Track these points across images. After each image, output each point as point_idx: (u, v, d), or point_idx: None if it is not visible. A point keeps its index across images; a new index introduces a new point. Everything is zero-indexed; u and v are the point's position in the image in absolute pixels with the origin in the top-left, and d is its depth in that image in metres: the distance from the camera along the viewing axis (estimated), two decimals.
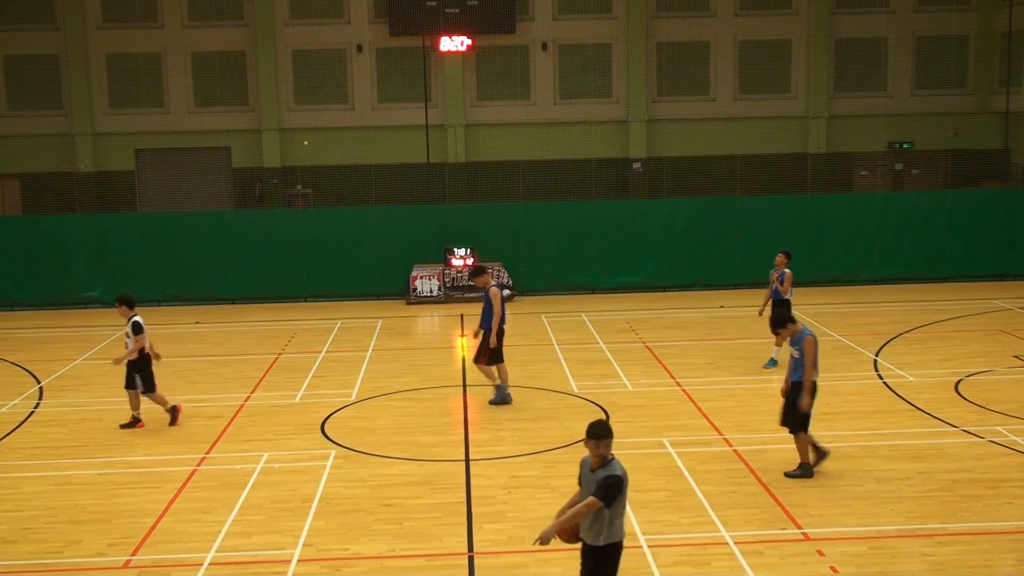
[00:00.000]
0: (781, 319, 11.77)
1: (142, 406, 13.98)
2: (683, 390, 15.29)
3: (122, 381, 13.92)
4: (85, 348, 19.06)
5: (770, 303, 16.48)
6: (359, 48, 39.24)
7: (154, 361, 14.01)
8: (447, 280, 23.16)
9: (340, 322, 21.00)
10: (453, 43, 37.51)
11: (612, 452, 7.42)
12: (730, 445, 12.69)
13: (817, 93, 36.77)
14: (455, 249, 23.29)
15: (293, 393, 15.61)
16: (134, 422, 13.91)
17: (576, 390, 15.43)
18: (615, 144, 37.78)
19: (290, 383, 16.15)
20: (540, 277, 23.76)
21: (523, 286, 23.48)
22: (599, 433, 7.35)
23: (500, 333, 14.53)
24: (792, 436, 11.52)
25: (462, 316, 21.58)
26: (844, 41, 36.94)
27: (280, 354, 18.23)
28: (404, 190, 38.20)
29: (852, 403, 14.42)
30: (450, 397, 15.43)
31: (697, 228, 24.04)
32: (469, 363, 17.65)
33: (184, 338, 19.98)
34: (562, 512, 7.52)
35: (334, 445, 13.01)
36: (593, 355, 17.76)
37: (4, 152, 39.72)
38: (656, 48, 37.21)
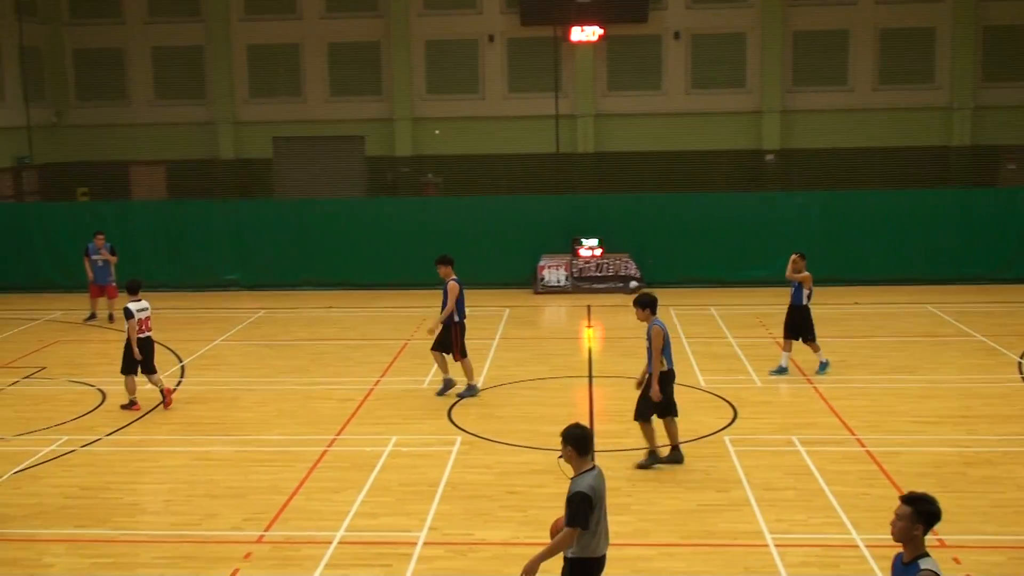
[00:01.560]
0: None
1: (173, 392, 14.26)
2: (814, 387, 14.93)
3: (255, 363, 14.36)
4: (224, 329, 19.72)
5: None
6: (491, 38, 39.47)
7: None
8: (575, 270, 23.14)
9: (468, 310, 21.16)
10: (584, 33, 37.36)
11: (594, 462, 7.04)
12: (863, 446, 12.34)
13: (962, 83, 35.31)
14: (583, 240, 23.25)
15: (421, 379, 15.84)
16: (131, 404, 14.36)
17: (703, 385, 15.23)
18: (747, 135, 37.08)
19: (419, 368, 16.39)
20: (668, 269, 23.48)
21: (651, 278, 23.27)
22: (564, 436, 6.98)
23: (461, 328, 14.59)
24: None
25: (589, 307, 21.54)
26: (993, 28, 35.36)
27: (409, 340, 18.52)
28: (533, 180, 38.27)
29: (993, 406, 13.85)
30: (576, 387, 15.43)
31: (831, 222, 23.38)
32: (596, 354, 17.63)
33: (317, 322, 20.49)
34: (552, 533, 7.12)
35: (460, 431, 13.16)
36: (721, 349, 17.50)
37: (151, 140, 41.38)
38: (792, 37, 36.34)
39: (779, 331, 16.02)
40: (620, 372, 15.89)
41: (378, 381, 15.73)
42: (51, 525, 10.36)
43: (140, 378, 14.35)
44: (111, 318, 20.39)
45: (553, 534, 7.08)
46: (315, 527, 10.19)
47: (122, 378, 14.36)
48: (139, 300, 14.32)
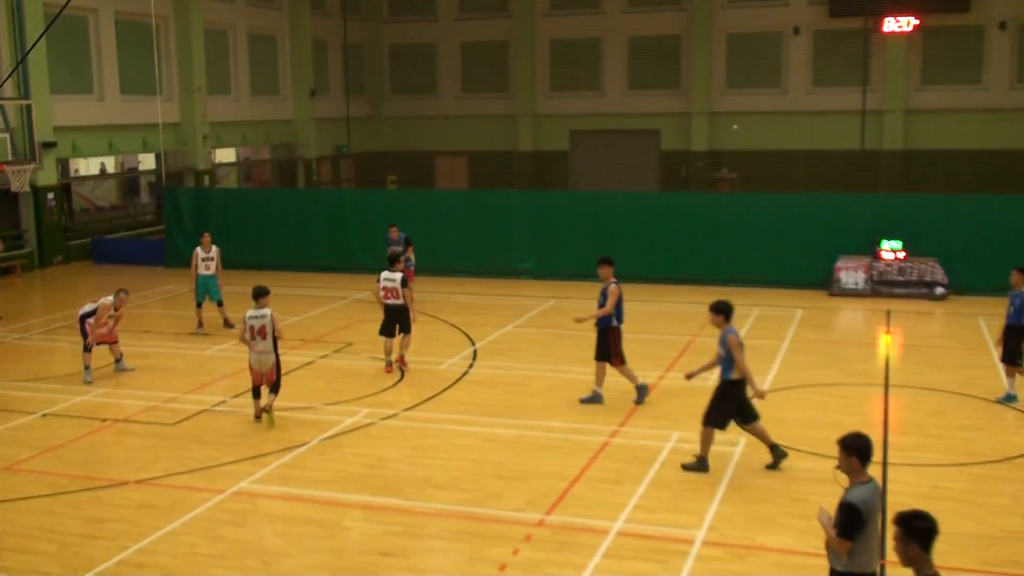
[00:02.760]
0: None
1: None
2: None
3: (543, 351, 14.64)
4: (515, 316, 20.32)
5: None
6: (796, 30, 38.31)
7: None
8: (874, 273, 22.02)
9: (758, 309, 20.70)
10: (898, 23, 35.48)
11: (868, 473, 6.72)
12: None
13: None
14: (885, 241, 22.06)
15: (706, 376, 15.58)
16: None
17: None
18: None
19: None
20: (980, 276, 21.75)
21: (959, 285, 21.75)
22: (845, 445, 6.76)
23: (618, 333, 13.99)
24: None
25: (888, 312, 20.45)
26: None
27: (696, 337, 18.32)
28: (833, 177, 36.83)
29: None
30: (870, 396, 14.69)
31: None
32: (894, 362, 16.71)
33: None
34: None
35: (745, 432, 12.85)
36: None
37: (456, 131, 43.29)
38: None
39: None
40: (919, 383, 15.00)
41: (662, 376, 15.67)
42: (351, 491, 11.08)
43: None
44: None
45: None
46: (594, 516, 10.29)
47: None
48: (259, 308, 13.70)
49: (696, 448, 11.72)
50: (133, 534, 10.00)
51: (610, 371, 14.34)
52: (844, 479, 6.89)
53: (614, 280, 14.08)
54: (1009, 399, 14.04)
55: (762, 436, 11.63)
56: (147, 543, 9.81)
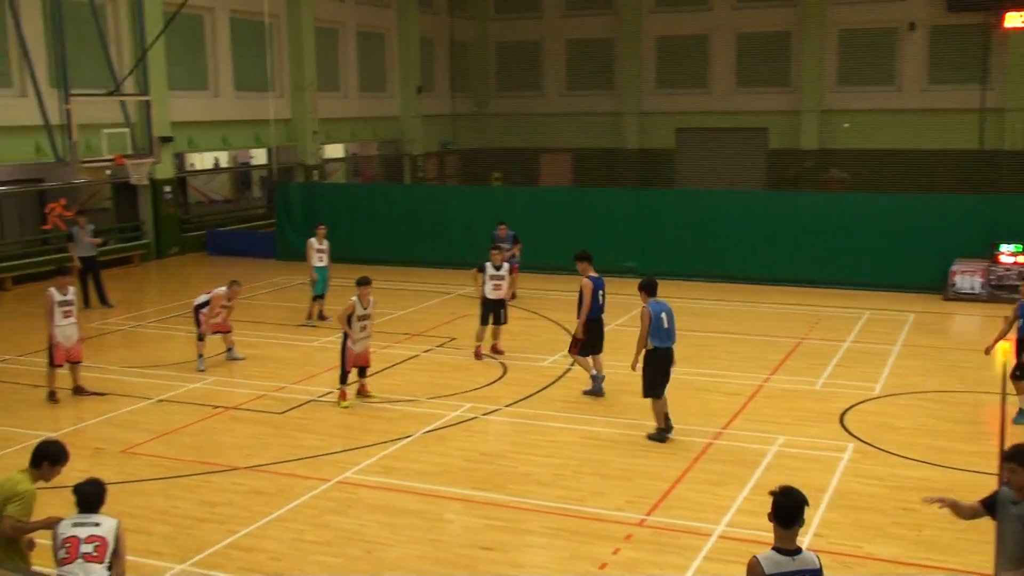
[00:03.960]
0: None
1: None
2: None
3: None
4: (618, 315, 20.18)
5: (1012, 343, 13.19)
6: (911, 26, 37.27)
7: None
8: (992, 277, 21.28)
9: (868, 312, 20.21)
10: (1021, 18, 34.18)
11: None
12: None
13: None
14: (1005, 244, 21.30)
15: (813, 380, 15.33)
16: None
17: None
18: None
19: (811, 369, 15.87)
20: None
21: None
22: (1015, 456, 6.30)
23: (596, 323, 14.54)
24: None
25: (1006, 318, 19.71)
26: None
27: (803, 339, 17.98)
28: (949, 178, 35.71)
29: None
30: (985, 404, 14.21)
31: None
32: (1011, 370, 16.13)
33: (707, 314, 20.44)
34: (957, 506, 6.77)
35: (852, 438, 12.58)
36: None
37: (561, 128, 43.26)
38: None
39: None
40: None
41: (767, 378, 15.42)
42: (453, 484, 11.18)
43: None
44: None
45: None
46: (695, 518, 10.18)
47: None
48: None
49: None
50: (243, 518, 10.27)
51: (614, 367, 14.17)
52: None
53: (592, 274, 14.77)
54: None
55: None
56: (255, 528, 10.06)
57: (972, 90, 36.00)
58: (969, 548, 9.44)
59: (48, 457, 7.24)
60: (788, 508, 6.00)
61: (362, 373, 14.34)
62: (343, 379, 14.17)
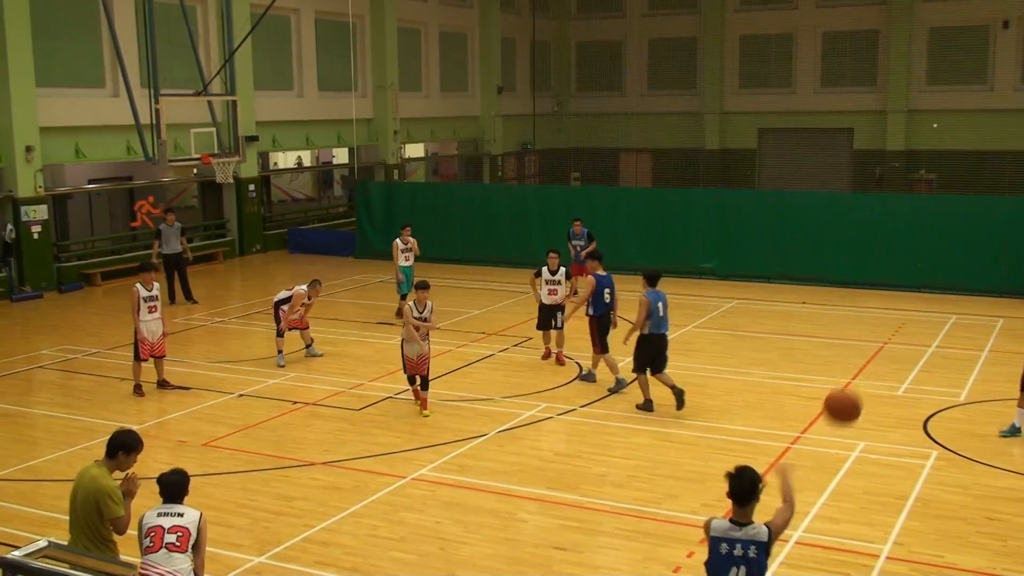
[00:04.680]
0: None
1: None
2: None
3: (723, 352, 14.38)
4: (697, 316, 20.03)
5: None
6: (1005, 24, 36.25)
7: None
8: None
9: (954, 317, 19.71)
10: None
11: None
12: None
13: None
14: None
15: (896, 385, 15.00)
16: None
17: None
18: None
19: (894, 374, 15.53)
20: None
21: None
22: None
23: (598, 321, 14.83)
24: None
25: None
26: None
27: (886, 343, 17.61)
28: None
29: None
30: None
31: None
32: None
33: (789, 316, 20.14)
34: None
35: (936, 445, 12.28)
36: None
37: (641, 129, 43.01)
38: None
39: None
40: None
41: (849, 383, 15.12)
42: (527, 483, 11.19)
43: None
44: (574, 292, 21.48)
45: None
46: None
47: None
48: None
49: None
50: (319, 513, 10.40)
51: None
52: None
53: (600, 272, 15.05)
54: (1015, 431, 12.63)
55: (666, 383, 13.53)
56: (332, 522, 10.18)
57: None
58: None
59: (123, 446, 7.39)
60: (740, 491, 6.38)
61: (424, 385, 13.74)
62: (411, 381, 13.93)
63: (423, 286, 13.82)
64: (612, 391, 14.71)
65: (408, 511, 10.45)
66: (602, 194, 27.55)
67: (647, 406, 13.74)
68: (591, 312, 14.91)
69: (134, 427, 13.13)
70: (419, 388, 13.81)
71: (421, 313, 13.60)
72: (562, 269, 16.36)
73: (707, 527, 6.47)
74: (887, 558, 9.27)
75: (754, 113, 41.11)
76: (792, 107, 40.30)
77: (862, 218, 23.07)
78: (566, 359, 16.34)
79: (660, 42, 42.84)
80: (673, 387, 13.53)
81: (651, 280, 13.60)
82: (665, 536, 9.80)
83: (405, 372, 13.87)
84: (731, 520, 6.43)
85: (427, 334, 13.69)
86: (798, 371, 15.89)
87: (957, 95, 37.29)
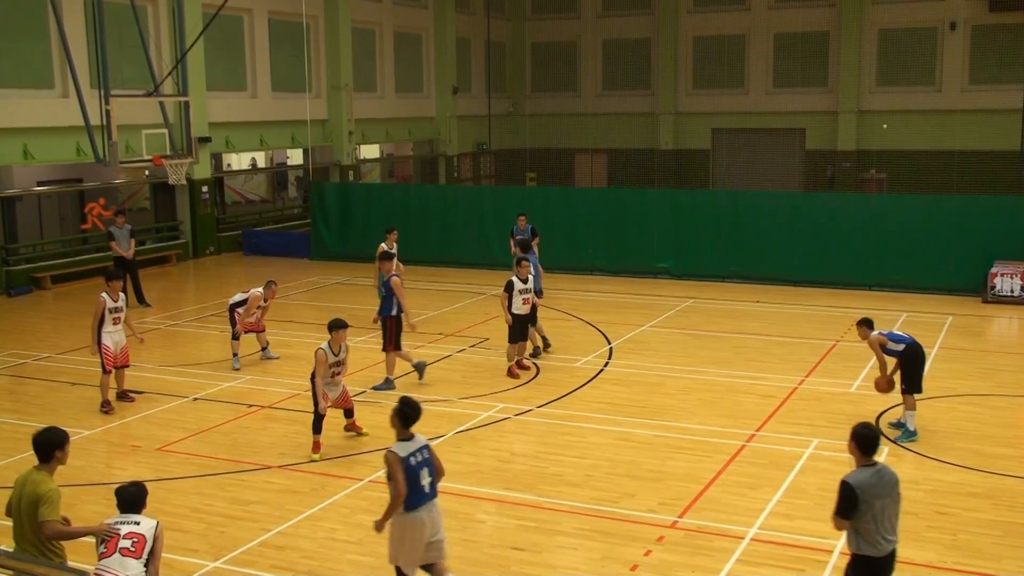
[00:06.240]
0: None
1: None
2: None
3: (679, 351, 14.49)
4: (652, 316, 20.16)
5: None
6: (952, 26, 36.86)
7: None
8: None
9: (905, 314, 20.01)
10: None
11: (874, 459, 7.31)
12: None
13: None
14: None
15: (849, 382, 15.19)
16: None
17: None
18: None
19: (846, 371, 15.73)
20: None
21: None
22: (851, 433, 7.36)
23: (396, 321, 14.93)
24: None
25: None
26: None
27: (839, 341, 17.83)
28: (990, 179, 35.28)
29: None
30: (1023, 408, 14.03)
31: None
32: None
33: (744, 315, 20.33)
34: None
35: (887, 441, 12.45)
36: None
37: (596, 129, 43.19)
38: None
39: None
40: None
41: (802, 380, 15.30)
42: (485, 484, 11.19)
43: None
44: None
45: None
46: (729, 520, 10.12)
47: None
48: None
49: None
50: (275, 517, 10.34)
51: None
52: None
53: (395, 273, 15.51)
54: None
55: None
56: (288, 526, 10.12)
57: (1014, 90, 35.50)
58: (1006, 553, 9.34)
59: (55, 445, 7.36)
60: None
61: (348, 414, 12.80)
62: (316, 428, 12.23)
63: (340, 325, 12.27)
64: (377, 388, 14.84)
65: (365, 513, 10.39)
66: (558, 194, 27.61)
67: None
68: (394, 312, 14.97)
69: (85, 432, 13.01)
70: (354, 421, 12.87)
71: (337, 355, 12.27)
72: (531, 278, 15.83)
73: (390, 454, 7.96)
74: (840, 553, 9.38)
75: (708, 113, 41.44)
76: (745, 108, 40.68)
77: (814, 217, 23.34)
78: (527, 367, 16.24)
79: (615, 43, 43.04)
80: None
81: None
82: (623, 535, 9.84)
83: (321, 411, 12.25)
84: (401, 440, 8.11)
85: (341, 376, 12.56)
86: (753, 369, 16.04)
87: (906, 96, 37.85)
